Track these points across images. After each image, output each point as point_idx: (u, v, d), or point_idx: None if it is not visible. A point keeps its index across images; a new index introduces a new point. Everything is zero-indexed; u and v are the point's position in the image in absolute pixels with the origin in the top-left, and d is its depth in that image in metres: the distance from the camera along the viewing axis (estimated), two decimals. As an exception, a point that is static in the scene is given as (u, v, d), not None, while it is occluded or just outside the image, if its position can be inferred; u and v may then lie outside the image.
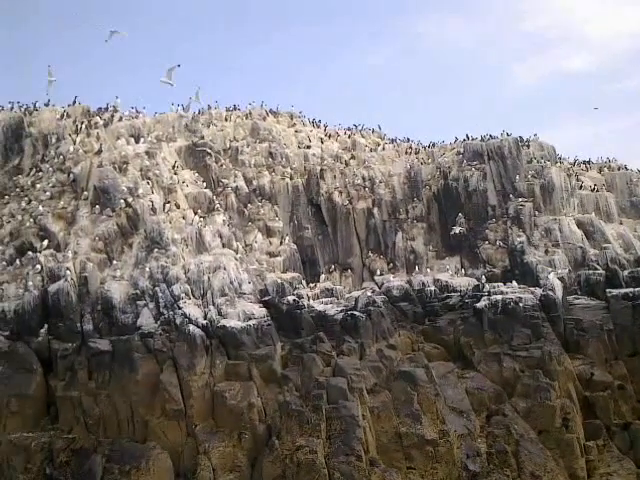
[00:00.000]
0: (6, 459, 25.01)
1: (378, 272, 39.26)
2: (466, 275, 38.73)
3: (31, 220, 31.42)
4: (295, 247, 38.67)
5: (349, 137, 49.10)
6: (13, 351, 27.84)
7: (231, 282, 29.74)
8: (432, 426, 25.38)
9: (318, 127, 49.88)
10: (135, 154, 33.90)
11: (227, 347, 27.40)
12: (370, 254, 41.53)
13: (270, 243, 38.68)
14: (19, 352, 27.81)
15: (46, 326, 28.39)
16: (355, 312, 30.48)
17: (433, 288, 36.44)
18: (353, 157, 45.71)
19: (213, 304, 28.47)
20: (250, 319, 28.33)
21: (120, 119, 37.18)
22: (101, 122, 36.58)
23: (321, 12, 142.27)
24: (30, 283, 28.86)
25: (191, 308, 28.02)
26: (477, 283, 35.95)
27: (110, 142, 34.64)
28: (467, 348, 30.96)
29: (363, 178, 43.82)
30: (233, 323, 27.72)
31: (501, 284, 34.61)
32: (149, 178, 32.86)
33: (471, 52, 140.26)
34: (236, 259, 31.48)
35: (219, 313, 28.18)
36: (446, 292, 36.37)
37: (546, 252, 38.13)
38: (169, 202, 32.53)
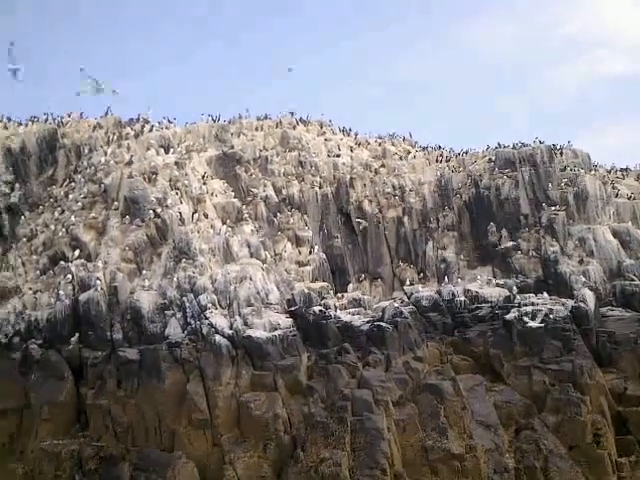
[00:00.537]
0: (37, 466, 25.51)
1: (408, 282, 39.03)
2: (498, 285, 38.23)
3: (63, 230, 32.11)
4: (324, 256, 38.68)
5: (379, 145, 48.97)
6: (45, 359, 28.40)
7: (257, 292, 29.84)
8: (459, 440, 25.04)
9: (348, 135, 49.84)
10: (165, 165, 34.37)
11: (253, 357, 27.47)
12: (400, 263, 41.35)
13: (299, 252, 38.74)
14: (51, 360, 28.36)
15: (77, 335, 28.91)
16: (381, 323, 30.29)
17: (463, 298, 36.01)
18: (383, 165, 45.53)
19: (239, 314, 28.60)
20: (276, 329, 28.37)
21: (150, 130, 37.70)
22: (132, 133, 37.17)
23: (356, 19, 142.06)
24: (62, 292, 29.42)
25: (217, 318, 28.20)
26: (508, 294, 35.45)
27: (140, 153, 35.18)
28: (496, 360, 30.49)
29: (393, 186, 43.65)
30: (259, 333, 27.80)
31: (532, 295, 34.13)
32: (178, 188, 33.25)
33: (506, 56, 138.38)
34: (263, 269, 31.56)
35: (245, 323, 28.29)
36: (476, 303, 35.89)
37: (580, 262, 37.42)
38: (197, 212, 32.80)
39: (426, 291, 36.85)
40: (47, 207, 34.31)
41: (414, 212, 42.61)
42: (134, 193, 32.12)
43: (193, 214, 32.65)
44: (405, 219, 42.27)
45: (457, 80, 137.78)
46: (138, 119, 39.61)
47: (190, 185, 34.17)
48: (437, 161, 46.83)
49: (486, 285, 37.83)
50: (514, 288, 35.52)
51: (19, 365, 28.61)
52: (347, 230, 42.13)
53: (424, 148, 50.78)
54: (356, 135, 50.11)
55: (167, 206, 31.62)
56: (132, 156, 34.48)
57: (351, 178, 43.02)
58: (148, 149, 35.63)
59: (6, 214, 34.77)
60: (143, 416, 26.37)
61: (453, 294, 36.45)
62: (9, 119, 38.14)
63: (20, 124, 38.09)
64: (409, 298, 36.44)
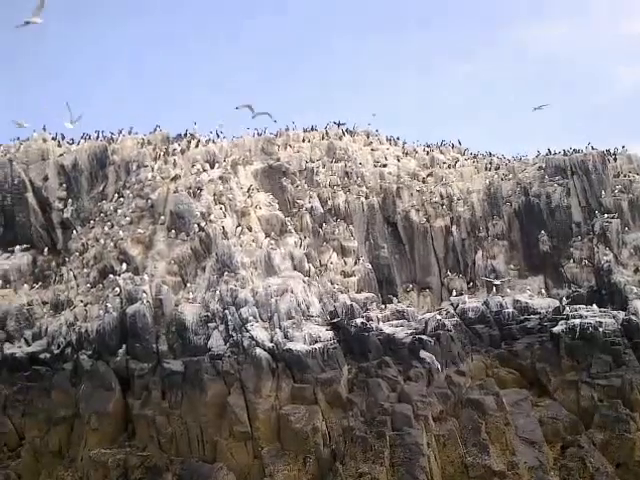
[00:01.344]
0: (86, 474, 26.27)
1: (455, 292, 38.59)
2: (549, 296, 37.42)
3: (112, 244, 33.02)
4: (370, 267, 38.67)
5: (427, 154, 48.63)
6: (94, 370, 29.20)
7: (298, 305, 29.97)
8: (501, 457, 24.59)
9: (395, 145, 49.66)
10: (209, 179, 35.00)
11: (293, 370, 27.57)
12: (449, 273, 41.04)
13: (345, 263, 38.86)
14: (100, 371, 29.13)
15: (124, 346, 29.57)
16: (423, 336, 30.00)
17: (511, 310, 35.41)
18: (431, 174, 45.24)
19: (280, 327, 28.78)
20: (316, 342, 28.40)
21: (196, 145, 38.47)
22: (178, 149, 38.04)
23: (405, 20, 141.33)
24: (110, 305, 30.24)
25: (258, 331, 28.44)
26: (558, 305, 34.59)
27: (186, 168, 35.96)
28: (543, 374, 29.88)
29: (441, 195, 43.31)
30: (299, 346, 27.89)
31: (582, 307, 33.30)
32: (222, 203, 33.81)
33: (568, 58, 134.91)
34: (304, 281, 31.68)
35: (285, 336, 28.45)
36: (525, 314, 35.26)
37: (635, 271, 36.31)
38: (241, 225, 33.28)
39: (473, 302, 36.37)
40: (98, 222, 35.38)
41: (462, 221, 42.22)
42: (179, 208, 32.82)
43: (236, 227, 33.11)
44: (453, 228, 41.91)
45: (513, 82, 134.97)
46: (185, 135, 40.50)
47: (234, 199, 34.68)
48: (486, 169, 46.18)
49: (536, 296, 37.13)
50: (563, 299, 34.65)
51: (70, 375, 29.58)
52: (394, 240, 42.04)
53: (474, 155, 50.14)
54: (404, 144, 49.93)
55: (211, 220, 32.16)
56: (178, 171, 35.25)
57: (398, 188, 42.89)
58: (194, 164, 36.39)
59: (60, 229, 36.17)
60: (186, 427, 26.70)
61: (501, 305, 35.91)
62: (62, 137, 39.59)
63: (72, 142, 39.48)
64: (455, 309, 36.02)
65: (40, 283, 34.32)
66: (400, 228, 41.77)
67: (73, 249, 34.87)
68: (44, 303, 33.16)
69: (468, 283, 40.23)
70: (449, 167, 46.34)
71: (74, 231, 35.77)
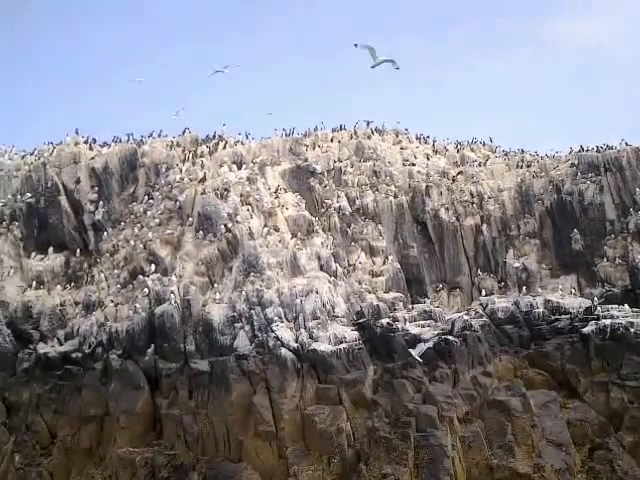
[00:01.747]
0: (115, 472, 26.71)
1: (484, 292, 38.14)
2: (582, 295, 36.69)
3: (142, 245, 33.53)
4: (399, 266, 38.53)
5: (457, 152, 48.15)
6: (124, 369, 29.67)
7: (323, 305, 30.01)
8: (526, 459, 24.25)
9: (425, 143, 49.29)
10: (237, 180, 35.27)
11: (318, 370, 27.64)
12: (480, 272, 40.60)
13: (373, 262, 38.82)
14: (129, 370, 29.60)
15: (153, 346, 30.01)
16: (449, 337, 29.72)
17: (542, 310, 34.87)
18: (461, 172, 44.76)
19: (304, 327, 28.87)
20: (341, 342, 28.40)
21: (224, 147, 38.78)
22: (207, 150, 38.41)
23: (438, 15, 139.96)
24: (139, 305, 30.75)
25: (283, 331, 28.58)
26: (590, 305, 33.91)
27: (214, 170, 36.31)
28: (573, 376, 29.36)
29: (471, 194, 42.87)
30: (324, 347, 27.93)
31: (614, 307, 32.48)
32: (249, 203, 34.03)
33: (603, 52, 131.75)
34: (330, 282, 31.70)
35: (310, 336, 28.53)
36: (557, 314, 34.67)
37: (671, 270, 35.20)
38: (267, 226, 33.44)
39: (502, 302, 35.89)
40: (128, 223, 35.94)
41: (493, 220, 41.74)
42: (207, 209, 33.16)
43: (263, 228, 33.30)
44: (484, 227, 41.46)
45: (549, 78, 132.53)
46: (214, 136, 40.85)
47: (261, 200, 34.87)
48: (517, 166, 45.47)
49: (568, 295, 36.47)
50: (595, 299, 33.94)
51: (100, 375, 30.09)
52: (423, 239, 41.74)
53: (505, 153, 49.47)
54: (434, 142, 49.51)
55: (238, 221, 32.41)
56: (206, 173, 35.60)
57: (427, 186, 42.59)
58: (221, 166, 36.74)
59: (91, 231, 36.80)
60: (213, 426, 26.97)
61: (531, 305, 35.40)
62: (94, 140, 40.32)
63: (104, 145, 40.17)
64: (484, 309, 35.61)
65: (72, 284, 34.97)
66: (429, 227, 41.43)
67: (104, 250, 35.49)
68: (76, 303, 33.81)
69: (499, 282, 39.71)
70: (479, 165, 45.78)
71: (105, 233, 36.35)
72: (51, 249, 36.28)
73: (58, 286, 34.61)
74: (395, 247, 40.72)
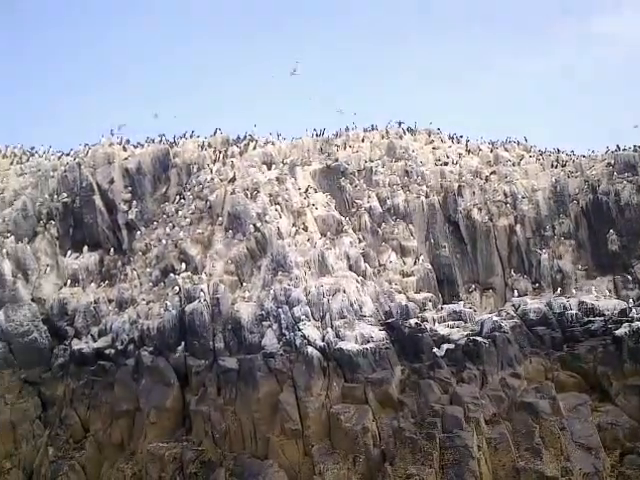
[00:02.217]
0: (144, 467, 27.19)
1: (517, 293, 37.60)
2: (618, 297, 35.92)
3: (173, 244, 34.06)
4: (430, 267, 38.31)
5: (491, 151, 47.63)
6: (155, 366, 30.13)
7: (351, 304, 30.07)
8: (554, 462, 23.94)
9: (458, 142, 48.89)
10: (267, 180, 35.57)
11: (344, 369, 27.73)
12: (513, 273, 40.10)
13: (404, 263, 38.66)
14: (159, 367, 30.05)
15: (183, 343, 30.41)
16: (478, 338, 29.43)
17: (575, 311, 34.13)
18: (494, 172, 44.25)
19: (331, 326, 28.98)
20: (368, 342, 28.44)
21: (254, 147, 39.13)
22: (237, 151, 38.82)
23: (474, 15, 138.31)
24: (169, 303, 31.21)
25: (310, 330, 28.74)
26: (625, 307, 33.16)
27: (244, 170, 36.66)
28: (605, 379, 28.72)
29: (504, 194, 42.35)
30: (350, 346, 27.99)
31: (648, 309, 31.67)
32: (278, 203, 34.28)
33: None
34: (358, 281, 31.74)
35: (337, 335, 28.61)
36: (590, 316, 33.92)
37: None
38: (295, 225, 33.65)
39: (535, 303, 35.26)
40: (160, 223, 36.52)
41: (527, 220, 41.21)
42: (236, 209, 33.52)
43: (292, 228, 33.49)
44: (517, 227, 40.94)
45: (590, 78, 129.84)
46: (245, 137, 41.24)
47: (290, 199, 35.10)
48: (552, 166, 44.77)
49: (603, 297, 35.72)
50: (630, 301, 33.19)
51: (132, 371, 30.57)
52: (455, 239, 41.38)
53: (540, 153, 48.72)
54: (467, 142, 49.07)
55: (266, 221, 32.67)
56: (235, 173, 35.98)
57: (459, 186, 42.20)
58: (251, 166, 37.07)
59: (125, 230, 37.49)
60: (240, 423, 27.28)
61: (564, 307, 34.68)
62: (128, 141, 41.07)
63: (137, 145, 40.90)
64: (516, 310, 35.12)
65: (106, 282, 35.61)
66: (462, 227, 41.06)
67: (137, 249, 36.12)
68: (110, 301, 34.41)
69: (533, 284, 39.16)
70: (513, 165, 45.20)
71: (138, 232, 36.98)
72: (86, 248, 37.04)
73: (92, 284, 35.34)
74: (426, 247, 40.42)
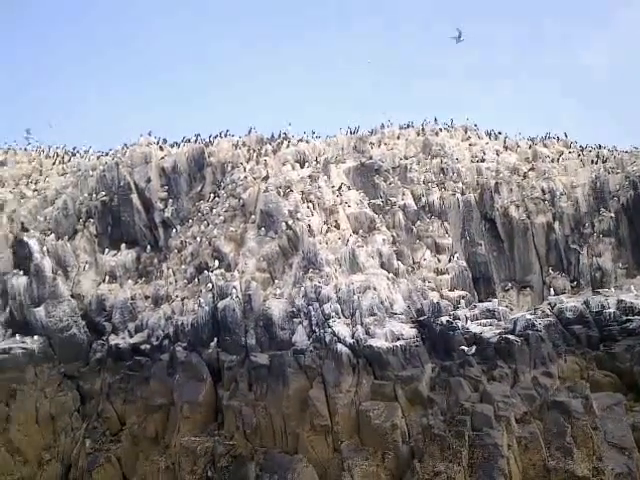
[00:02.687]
0: (177, 460, 27.62)
1: (556, 291, 36.96)
2: (661, 296, 34.97)
3: (207, 242, 34.54)
4: (465, 264, 38.01)
5: (530, 147, 46.90)
6: (188, 361, 30.56)
7: (381, 302, 30.01)
8: (586, 462, 23.46)
9: (496, 139, 48.27)
10: (299, 179, 35.78)
11: (373, 366, 27.70)
12: (551, 271, 39.63)
13: (438, 260, 38.42)
14: (193, 362, 30.47)
15: (216, 339, 30.85)
16: (510, 336, 29.00)
17: (613, 310, 33.45)
18: (532, 169, 43.64)
19: (361, 323, 28.97)
20: (398, 339, 28.34)
21: (287, 146, 39.36)
22: (270, 149, 39.12)
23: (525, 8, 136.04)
24: (202, 300, 31.68)
25: (340, 327, 28.79)
26: (666, 305, 32.32)
27: (277, 168, 36.94)
28: (641, 378, 28.01)
29: (542, 190, 41.81)
30: (380, 343, 27.96)
31: (690, 308, 30.76)
32: (311, 201, 34.44)
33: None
34: (389, 279, 31.64)
35: (367, 332, 28.59)
36: (630, 314, 33.15)
37: None
38: (326, 223, 33.73)
39: (571, 302, 34.68)
40: (195, 221, 37.09)
41: (566, 217, 40.69)
42: (268, 207, 33.79)
43: (323, 225, 33.59)
44: (556, 225, 40.42)
45: None
46: (279, 135, 41.51)
47: (323, 197, 35.22)
48: (592, 162, 43.88)
49: (646, 295, 34.85)
50: (670, 300, 32.31)
51: (167, 366, 31.04)
52: (492, 237, 41.02)
53: (582, 148, 47.79)
54: (505, 138, 48.39)
55: (298, 218, 32.83)
56: (268, 171, 36.26)
57: (496, 183, 41.77)
58: (284, 164, 37.31)
59: (161, 228, 38.18)
60: (270, 419, 27.44)
61: (602, 305, 34.02)
62: (165, 141, 41.80)
63: (174, 145, 41.58)
64: (552, 309, 34.53)
65: (143, 278, 36.35)
66: (498, 225, 40.70)
67: (172, 247, 36.75)
68: (146, 297, 35.09)
69: (572, 282, 38.57)
70: (552, 161, 44.47)
71: (174, 230, 37.62)
72: (123, 245, 37.85)
73: (129, 280, 36.08)
74: (462, 245, 40.15)
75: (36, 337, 32.90)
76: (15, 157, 46.25)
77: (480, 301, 36.86)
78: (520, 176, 42.96)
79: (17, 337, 33.00)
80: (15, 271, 34.43)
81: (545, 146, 47.34)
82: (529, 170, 43.53)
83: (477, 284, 38.88)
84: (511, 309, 37.10)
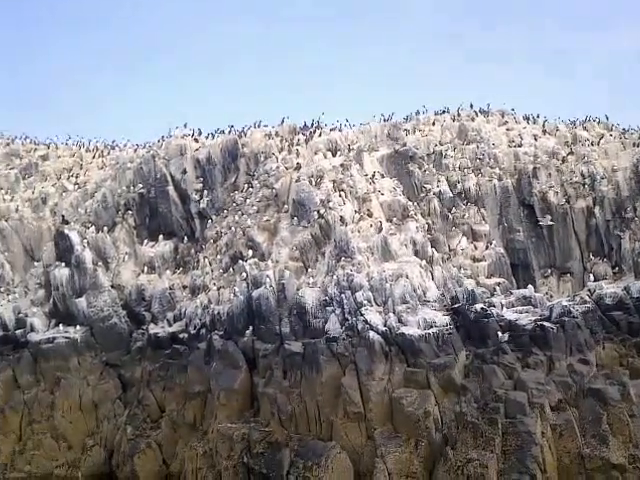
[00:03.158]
0: (215, 446, 28.15)
1: (597, 277, 36.19)
2: None
3: (241, 232, 34.98)
4: (502, 251, 37.62)
5: (569, 131, 45.86)
6: (225, 349, 31.04)
7: (414, 290, 29.94)
8: (621, 450, 23.26)
9: (534, 123, 47.32)
10: (331, 167, 35.83)
11: (406, 354, 27.69)
12: (592, 257, 38.81)
13: (475, 247, 38.10)
14: (229, 350, 30.95)
15: (251, 328, 31.27)
16: (546, 323, 28.63)
17: (656, 296, 32.60)
18: (572, 152, 42.67)
19: (393, 311, 28.98)
20: (431, 327, 28.28)
21: (320, 135, 39.39)
22: (303, 139, 39.24)
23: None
24: (237, 289, 32.15)
25: (372, 315, 28.86)
26: None
27: (309, 157, 37.05)
28: (683, 366, 27.33)
29: (582, 175, 40.86)
30: (412, 331, 27.93)
31: None
32: (343, 190, 34.47)
33: None
34: (422, 266, 31.52)
35: (399, 320, 28.61)
36: (673, 301, 32.33)
37: None
38: (358, 212, 33.75)
39: (611, 288, 33.95)
40: (230, 211, 37.50)
41: (606, 201, 39.69)
42: (301, 196, 33.97)
43: (355, 214, 33.61)
44: (596, 209, 39.52)
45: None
46: (312, 125, 41.59)
47: (355, 186, 35.23)
48: (634, 145, 42.64)
49: (688, 281, 33.92)
50: None
51: (204, 354, 31.65)
52: (530, 223, 40.31)
53: (624, 131, 46.49)
54: (544, 122, 47.40)
55: (330, 207, 32.92)
56: (301, 161, 36.41)
57: (534, 168, 41.00)
58: (316, 153, 37.37)
59: (197, 219, 38.81)
60: (305, 406, 27.75)
61: (643, 291, 33.16)
62: (200, 132, 42.31)
63: (208, 136, 42.05)
64: (592, 295, 33.87)
65: (181, 269, 37.13)
66: (537, 210, 39.94)
67: (208, 237, 37.28)
68: (184, 287, 35.81)
69: (613, 268, 37.69)
70: (592, 144, 43.39)
71: (209, 220, 38.15)
72: (161, 236, 38.63)
73: (168, 271, 36.86)
74: (499, 231, 39.63)
75: (78, 327, 34.02)
76: (57, 151, 47.61)
77: (519, 288, 36.43)
78: (559, 160, 42.07)
79: (61, 327, 34.19)
80: (57, 263, 35.56)
81: (585, 129, 46.15)
82: (568, 154, 42.57)
83: (515, 271, 38.41)
84: (551, 296, 36.57)
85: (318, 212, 32.77)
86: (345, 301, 29.62)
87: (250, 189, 37.70)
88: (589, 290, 34.75)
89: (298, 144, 38.72)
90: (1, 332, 35.13)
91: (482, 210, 39.65)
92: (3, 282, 37.64)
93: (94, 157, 45.59)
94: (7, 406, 32.11)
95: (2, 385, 32.93)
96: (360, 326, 28.49)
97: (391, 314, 28.80)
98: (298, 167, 35.84)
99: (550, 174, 41.14)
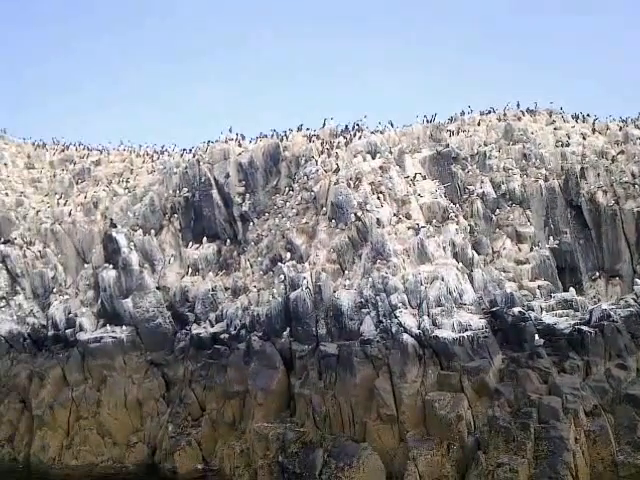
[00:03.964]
0: (251, 445, 28.80)
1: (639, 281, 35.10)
2: None
3: (280, 235, 35.52)
4: (547, 254, 37.02)
5: (620, 129, 44.53)
6: (263, 350, 31.65)
7: (450, 292, 29.71)
8: (657, 458, 22.38)
9: (584, 122, 46.13)
10: (370, 170, 35.90)
11: (440, 357, 27.56)
12: (641, 260, 37.49)
13: (519, 249, 37.61)
14: (266, 351, 31.53)
15: (288, 329, 31.73)
16: (584, 327, 28.00)
17: None
18: (622, 152, 41.47)
19: (428, 314, 28.84)
20: (466, 330, 28.03)
21: (359, 137, 39.50)
22: (343, 141, 39.44)
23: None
24: (276, 291, 32.66)
25: (406, 317, 28.80)
26: None
27: (348, 160, 37.20)
28: None
29: (633, 175, 39.71)
30: (446, 334, 27.75)
31: None
32: (381, 192, 34.48)
33: None
34: (458, 269, 31.24)
35: (433, 323, 28.46)
36: None
37: None
38: (396, 214, 33.70)
39: (658, 291, 32.88)
40: (271, 214, 38.13)
41: (658, 202, 38.25)
42: (339, 199, 34.13)
43: (393, 216, 33.59)
44: (648, 210, 38.14)
45: None
46: (353, 127, 41.75)
47: (394, 188, 35.19)
48: (690, 144, 41.13)
49: None
50: None
51: (243, 354, 32.27)
52: (578, 225, 39.44)
53: (680, 128, 44.73)
54: (594, 121, 46.16)
55: (367, 210, 32.99)
56: (340, 164, 36.63)
57: (582, 168, 40.07)
58: (355, 156, 37.50)
59: (240, 221, 39.57)
60: (339, 407, 27.96)
61: (694, 295, 32.02)
62: (243, 137, 43.09)
63: (251, 140, 42.78)
64: (637, 299, 32.88)
65: (223, 271, 37.88)
66: (585, 211, 39.02)
67: (250, 239, 37.96)
68: (226, 289, 36.55)
69: (666, 271, 36.45)
70: (644, 143, 42.03)
71: (251, 223, 38.83)
72: (205, 239, 39.50)
73: (211, 273, 37.65)
74: (545, 233, 38.92)
75: (125, 327, 35.23)
76: (108, 157, 49.40)
77: (565, 291, 35.71)
78: (608, 160, 40.95)
79: (108, 327, 35.46)
80: (106, 265, 36.90)
81: (637, 127, 44.75)
82: (618, 153, 41.38)
83: (562, 274, 37.65)
84: (598, 299, 35.75)
85: (355, 214, 32.91)
86: (380, 303, 29.67)
87: (290, 192, 38.21)
88: (635, 294, 33.78)
89: (338, 147, 38.94)
90: (52, 331, 36.83)
91: (527, 212, 39.08)
92: (56, 283, 39.37)
93: (144, 162, 47.05)
94: (56, 402, 33.48)
95: (52, 382, 34.47)
96: (394, 329, 28.51)
97: (425, 317, 28.68)
98: (337, 170, 36.06)
99: (599, 174, 40.15)
